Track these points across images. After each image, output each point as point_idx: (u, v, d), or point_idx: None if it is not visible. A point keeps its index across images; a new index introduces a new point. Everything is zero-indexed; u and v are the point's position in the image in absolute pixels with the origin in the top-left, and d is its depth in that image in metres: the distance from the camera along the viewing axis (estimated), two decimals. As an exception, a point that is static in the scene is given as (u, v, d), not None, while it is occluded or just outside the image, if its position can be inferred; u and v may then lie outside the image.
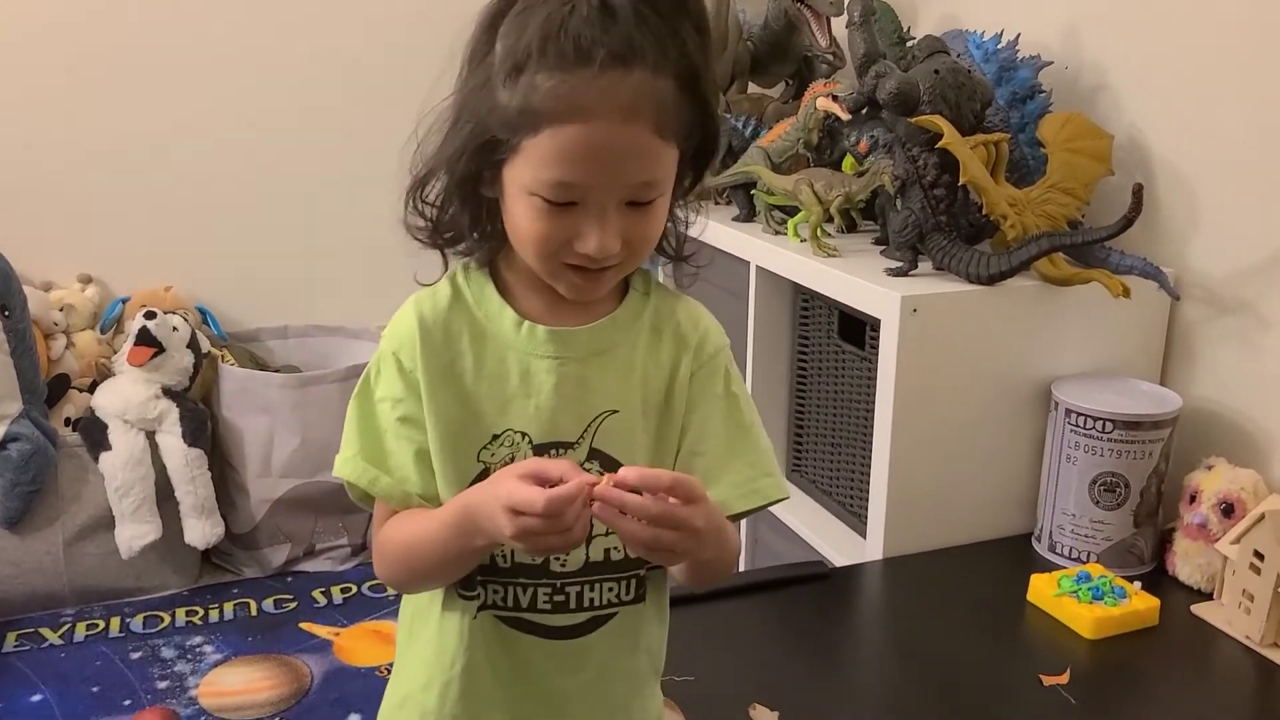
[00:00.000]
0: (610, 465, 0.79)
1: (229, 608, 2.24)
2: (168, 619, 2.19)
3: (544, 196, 0.74)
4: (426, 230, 0.83)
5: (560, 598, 0.82)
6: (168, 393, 2.24)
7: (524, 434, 0.80)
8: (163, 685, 1.97)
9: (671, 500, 0.71)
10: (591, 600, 0.83)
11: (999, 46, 1.60)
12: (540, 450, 0.80)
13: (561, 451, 0.80)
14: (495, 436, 0.81)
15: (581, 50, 0.70)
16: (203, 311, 2.46)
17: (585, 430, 0.80)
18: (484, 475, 0.79)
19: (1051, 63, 1.62)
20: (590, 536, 0.77)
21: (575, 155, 0.72)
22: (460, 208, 0.81)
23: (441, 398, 0.81)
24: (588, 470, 0.76)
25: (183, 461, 2.20)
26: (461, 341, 0.82)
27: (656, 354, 0.83)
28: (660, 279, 0.89)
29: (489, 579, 0.82)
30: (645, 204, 0.75)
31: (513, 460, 0.79)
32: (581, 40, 0.70)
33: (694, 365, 0.84)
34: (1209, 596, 1.35)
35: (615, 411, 0.81)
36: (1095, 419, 1.38)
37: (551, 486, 0.70)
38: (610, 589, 0.83)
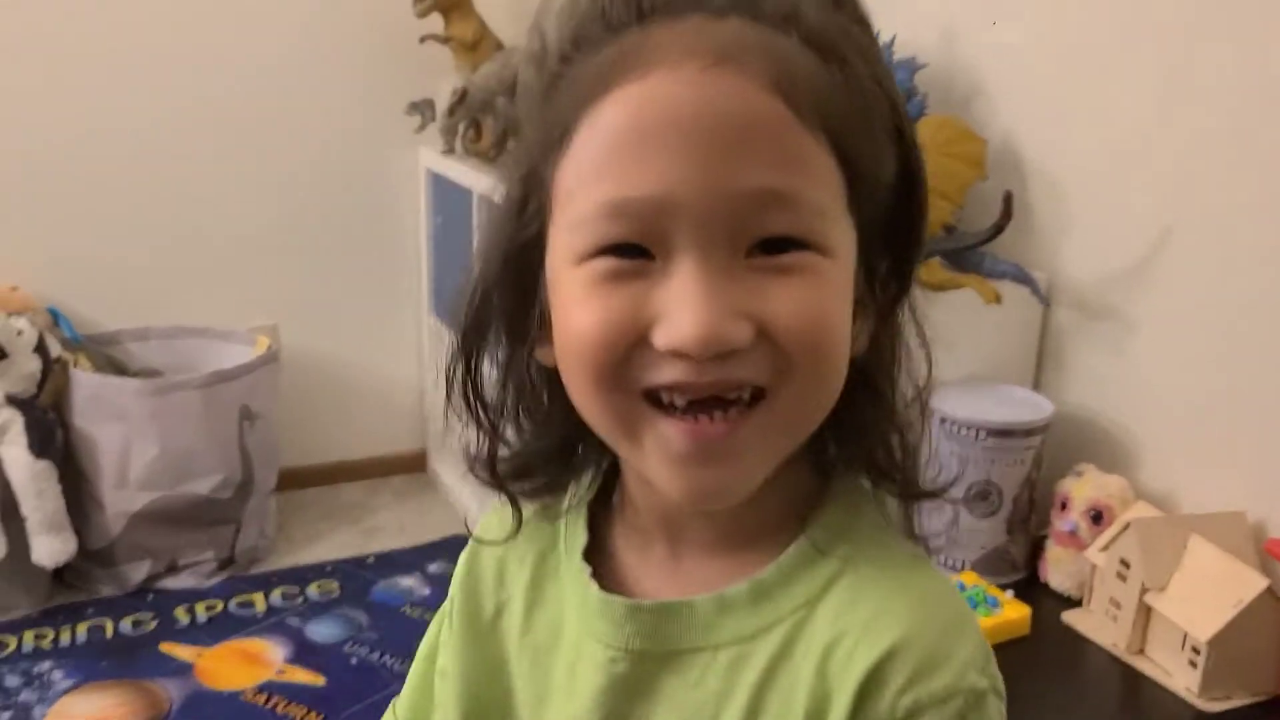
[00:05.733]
0: None
1: (82, 629, 2.09)
2: (13, 644, 2.04)
3: (593, 249, 0.42)
4: (483, 460, 0.51)
5: None
6: (12, 401, 2.09)
7: None
8: (4, 717, 1.84)
9: None
10: None
11: (876, 47, 1.58)
12: None
13: None
14: None
15: (630, 6, 0.44)
16: (54, 313, 2.31)
17: None
18: None
19: (927, 65, 1.60)
20: None
21: (629, 140, 0.41)
22: (518, 386, 0.49)
23: (471, 660, 0.54)
24: None
25: (28, 474, 2.05)
26: (518, 582, 0.53)
27: (792, 673, 0.46)
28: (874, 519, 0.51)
29: None
30: (786, 251, 0.42)
31: None
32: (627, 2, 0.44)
33: (867, 712, 0.44)
34: (1080, 603, 1.35)
35: None
36: (968, 427, 1.37)
37: None
38: None
